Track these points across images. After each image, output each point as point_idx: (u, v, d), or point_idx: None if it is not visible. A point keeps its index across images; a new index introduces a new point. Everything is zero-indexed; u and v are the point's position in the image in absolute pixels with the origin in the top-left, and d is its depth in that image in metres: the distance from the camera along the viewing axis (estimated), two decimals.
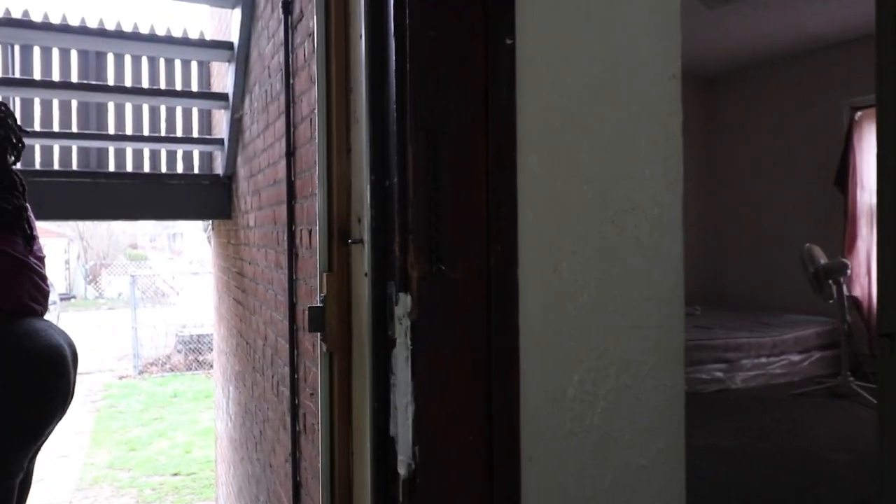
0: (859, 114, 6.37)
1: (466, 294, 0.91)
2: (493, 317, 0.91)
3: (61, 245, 25.92)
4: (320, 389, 1.05)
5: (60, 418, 2.04)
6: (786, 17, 5.64)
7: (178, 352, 14.71)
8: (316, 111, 1.07)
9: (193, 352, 14.42)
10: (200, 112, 5.76)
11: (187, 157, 5.80)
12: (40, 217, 2.22)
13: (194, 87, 5.66)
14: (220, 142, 4.78)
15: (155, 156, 5.68)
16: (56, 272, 23.52)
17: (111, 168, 5.42)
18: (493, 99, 0.90)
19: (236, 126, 4.29)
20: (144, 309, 15.50)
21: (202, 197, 5.04)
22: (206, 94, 4.77)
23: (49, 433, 2.01)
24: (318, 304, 1.06)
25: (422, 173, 0.87)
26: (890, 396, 2.16)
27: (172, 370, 13.91)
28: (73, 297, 24.53)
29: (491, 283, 0.91)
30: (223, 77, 4.84)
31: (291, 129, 2.45)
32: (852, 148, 6.39)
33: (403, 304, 0.88)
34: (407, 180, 0.87)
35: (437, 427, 0.88)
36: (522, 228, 0.95)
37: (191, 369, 13.86)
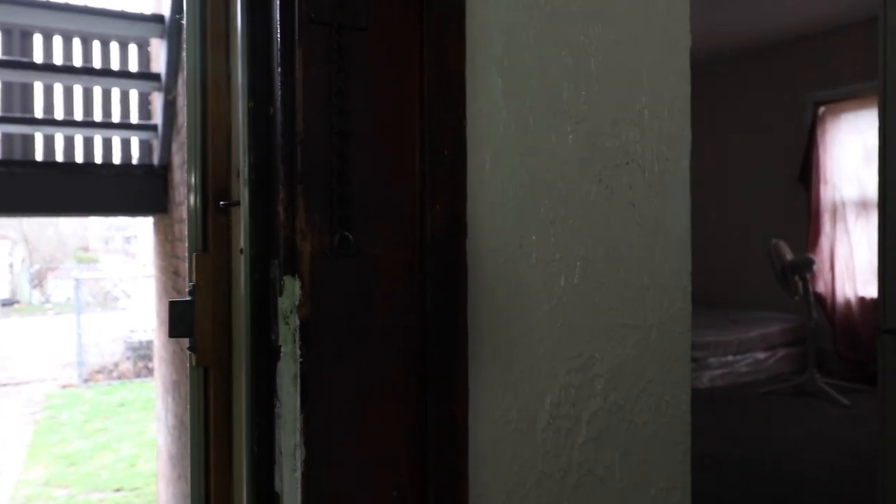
0: (822, 109, 6.30)
1: (389, 277, 0.60)
2: (430, 311, 0.61)
3: (4, 248, 24.77)
4: (190, 422, 0.73)
5: None
6: (748, 13, 5.53)
7: (127, 359, 14.04)
8: (185, 28, 0.76)
9: (143, 358, 13.76)
10: (141, 98, 5.32)
11: (125, 147, 5.35)
12: None
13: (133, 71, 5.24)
14: (154, 128, 4.37)
15: (88, 144, 5.22)
16: None
17: (39, 157, 4.95)
18: None
19: (170, 109, 3.90)
20: (93, 314, 14.75)
21: (136, 189, 4.62)
22: (138, 75, 4.36)
23: None
24: (186, 298, 0.74)
25: (318, 90, 0.56)
26: (891, 396, 1.96)
27: (120, 378, 13.24)
28: (17, 301, 23.45)
29: (427, 259, 0.61)
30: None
31: None
32: (816, 144, 6.34)
33: (290, 294, 0.57)
34: (294, 102, 0.56)
35: (341, 481, 0.58)
36: (476, 182, 0.65)
37: (140, 377, 13.20)
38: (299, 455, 0.57)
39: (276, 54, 0.57)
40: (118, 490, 7.63)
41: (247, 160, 0.62)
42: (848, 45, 5.65)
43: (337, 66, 0.56)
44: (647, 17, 0.80)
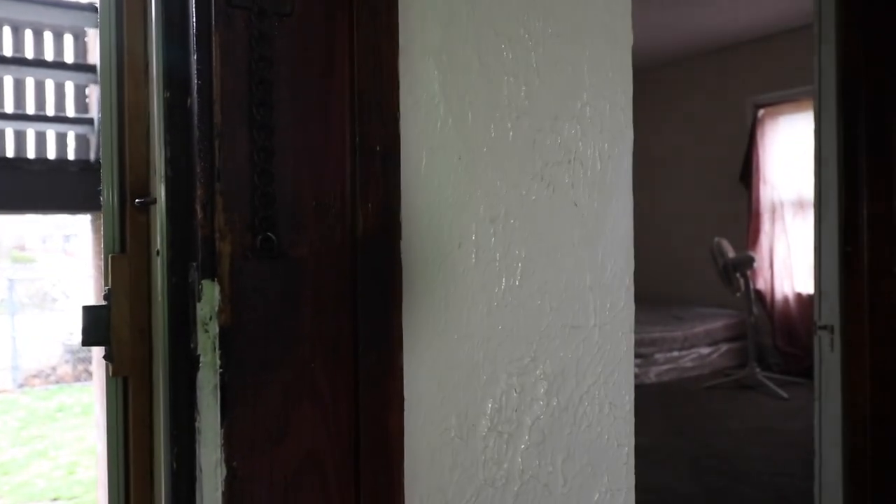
0: (762, 111, 6.51)
1: (317, 280, 0.57)
2: (362, 316, 0.58)
3: None
4: (108, 437, 0.68)
5: None
6: (692, 16, 5.67)
7: (66, 362, 13.44)
8: (98, 6, 0.70)
9: (83, 361, 13.20)
10: (77, 90, 5.09)
11: (60, 141, 5.11)
12: None
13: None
14: (91, 122, 4.18)
15: (20, 138, 4.96)
16: None
17: None
18: None
19: None
20: (29, 316, 14.08)
21: (71, 186, 4.41)
22: (74, 66, 4.16)
23: None
24: (101, 304, 0.69)
25: (237, 80, 0.52)
26: (827, 390, 2.02)
27: (58, 382, 12.65)
28: None
29: (358, 261, 0.58)
30: None
31: None
32: (756, 145, 6.54)
33: (209, 300, 0.53)
34: (211, 92, 0.52)
35: (266, 500, 0.54)
36: (412, 179, 0.62)
37: (80, 380, 12.66)
38: (220, 473, 0.53)
39: (193, 40, 0.53)
40: (55, 500, 7.30)
41: (163, 155, 0.57)
42: (786, 49, 5.86)
43: (258, 53, 0.53)
44: (588, 12, 0.78)
